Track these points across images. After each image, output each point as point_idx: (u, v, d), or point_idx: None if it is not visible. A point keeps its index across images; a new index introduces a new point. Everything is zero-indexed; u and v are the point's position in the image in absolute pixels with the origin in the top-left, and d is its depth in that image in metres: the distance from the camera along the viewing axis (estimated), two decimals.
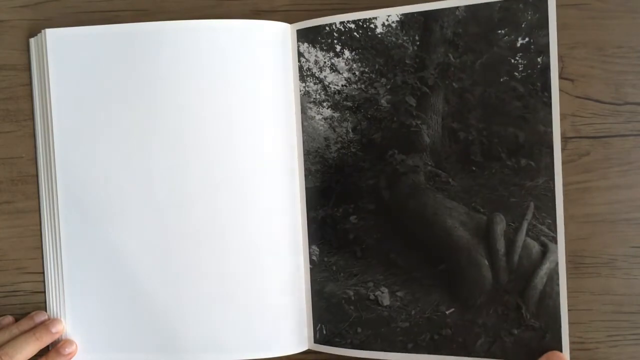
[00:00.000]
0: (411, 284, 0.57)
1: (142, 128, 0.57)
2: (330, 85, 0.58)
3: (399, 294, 0.57)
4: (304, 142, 0.58)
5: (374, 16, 0.57)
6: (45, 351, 0.57)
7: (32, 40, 0.59)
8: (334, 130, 0.58)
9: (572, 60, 0.59)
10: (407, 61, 0.57)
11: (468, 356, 0.56)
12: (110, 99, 0.57)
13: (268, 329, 0.57)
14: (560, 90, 0.59)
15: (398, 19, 0.57)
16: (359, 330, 0.57)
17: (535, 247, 0.55)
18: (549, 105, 0.55)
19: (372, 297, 0.57)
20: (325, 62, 0.58)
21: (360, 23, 0.57)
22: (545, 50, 0.55)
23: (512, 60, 0.56)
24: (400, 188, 0.57)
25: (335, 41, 0.58)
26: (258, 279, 0.57)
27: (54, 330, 0.57)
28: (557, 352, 0.54)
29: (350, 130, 0.58)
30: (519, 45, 0.56)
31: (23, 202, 0.59)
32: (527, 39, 0.55)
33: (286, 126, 0.58)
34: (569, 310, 0.58)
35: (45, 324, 0.57)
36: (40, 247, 0.59)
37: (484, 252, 0.56)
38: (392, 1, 0.59)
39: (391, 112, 0.57)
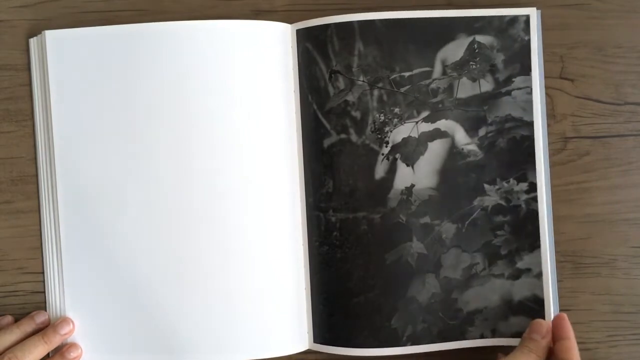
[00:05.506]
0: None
1: (141, 128, 0.57)
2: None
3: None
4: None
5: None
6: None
7: (31, 41, 0.59)
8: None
9: (572, 60, 0.59)
10: None
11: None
12: (110, 100, 0.57)
13: (268, 329, 0.57)
14: (560, 90, 0.59)
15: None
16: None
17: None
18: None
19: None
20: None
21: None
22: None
23: None
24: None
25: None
26: (258, 279, 0.57)
27: (62, 332, 0.56)
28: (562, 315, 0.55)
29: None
30: None
31: (23, 202, 0.59)
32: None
33: (286, 126, 0.58)
34: (568, 310, 0.59)
35: (53, 326, 0.56)
36: (40, 247, 0.59)
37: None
38: (393, 1, 0.59)
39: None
